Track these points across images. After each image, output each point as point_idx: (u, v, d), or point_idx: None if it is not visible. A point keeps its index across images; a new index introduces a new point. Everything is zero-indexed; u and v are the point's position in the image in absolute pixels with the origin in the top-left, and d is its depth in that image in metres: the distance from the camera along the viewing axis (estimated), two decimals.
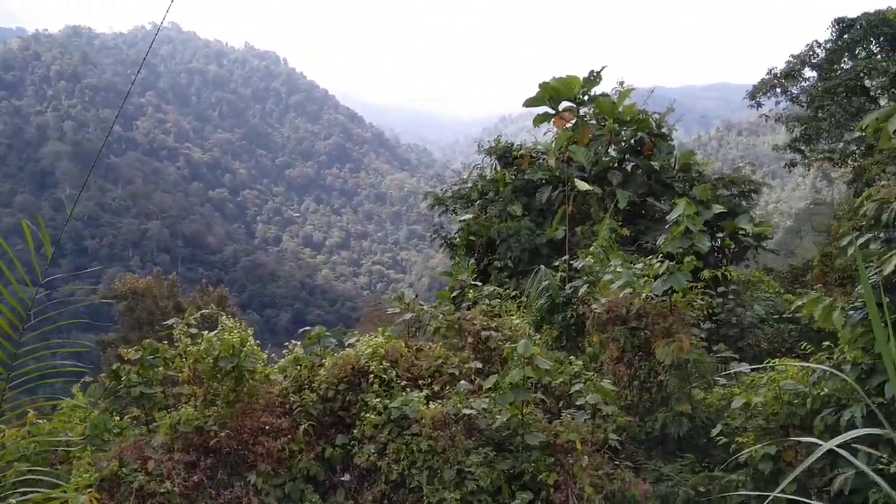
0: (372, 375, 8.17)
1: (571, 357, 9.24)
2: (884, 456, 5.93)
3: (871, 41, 28.48)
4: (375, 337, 8.87)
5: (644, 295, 9.08)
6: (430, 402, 7.87)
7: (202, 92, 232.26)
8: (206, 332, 7.88)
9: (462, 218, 18.66)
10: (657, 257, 9.66)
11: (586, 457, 7.56)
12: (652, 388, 9.17)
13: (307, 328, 9.21)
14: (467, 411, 7.77)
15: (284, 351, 8.80)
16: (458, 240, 19.03)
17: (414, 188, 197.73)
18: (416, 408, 7.71)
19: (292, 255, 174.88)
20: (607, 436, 8.10)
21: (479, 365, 8.84)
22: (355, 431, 7.91)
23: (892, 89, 27.59)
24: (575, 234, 16.18)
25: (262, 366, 8.26)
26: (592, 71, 18.39)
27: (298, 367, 8.49)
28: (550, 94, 18.58)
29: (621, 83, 20.37)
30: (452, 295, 13.18)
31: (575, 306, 11.24)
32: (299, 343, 8.90)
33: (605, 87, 19.13)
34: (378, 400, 7.87)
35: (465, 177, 20.94)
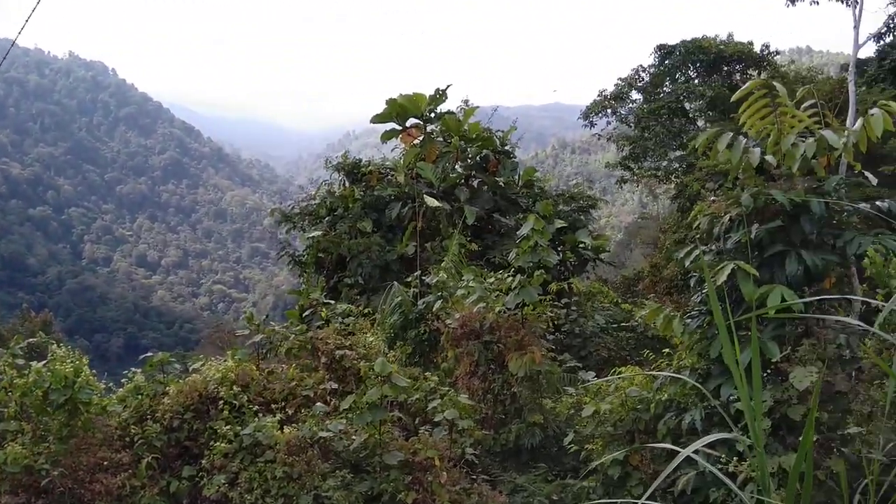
0: (221, 402, 7.78)
1: (427, 373, 9.25)
2: (722, 455, 6.32)
3: (689, 66, 30.85)
4: (224, 360, 8.46)
5: (497, 309, 9.27)
6: (285, 427, 7.59)
7: (21, 103, 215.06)
8: (34, 363, 7.21)
9: (310, 235, 18.33)
10: (508, 271, 9.91)
11: (445, 473, 7.56)
12: (506, 400, 9.34)
13: (149, 354, 8.64)
14: (323, 434, 7.56)
15: (124, 380, 8.21)
16: (306, 257, 18.67)
17: (257, 205, 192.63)
18: (269, 433, 7.41)
19: (125, 276, 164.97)
20: (464, 450, 8.16)
21: (335, 385, 8.65)
22: (204, 462, 7.49)
23: (709, 111, 29.99)
24: (425, 250, 16.31)
25: (99, 397, 7.66)
26: (438, 89, 18.69)
27: (139, 397, 7.95)
28: (397, 110, 18.71)
29: (466, 101, 20.87)
30: (303, 314, 12.87)
31: (428, 322, 11.29)
32: (140, 370, 8.34)
33: (450, 105, 19.50)
34: (228, 427, 7.50)
35: (312, 193, 20.61)
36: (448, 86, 18.85)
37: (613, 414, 7.88)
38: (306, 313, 12.56)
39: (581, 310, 14.57)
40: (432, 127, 19.07)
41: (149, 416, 7.80)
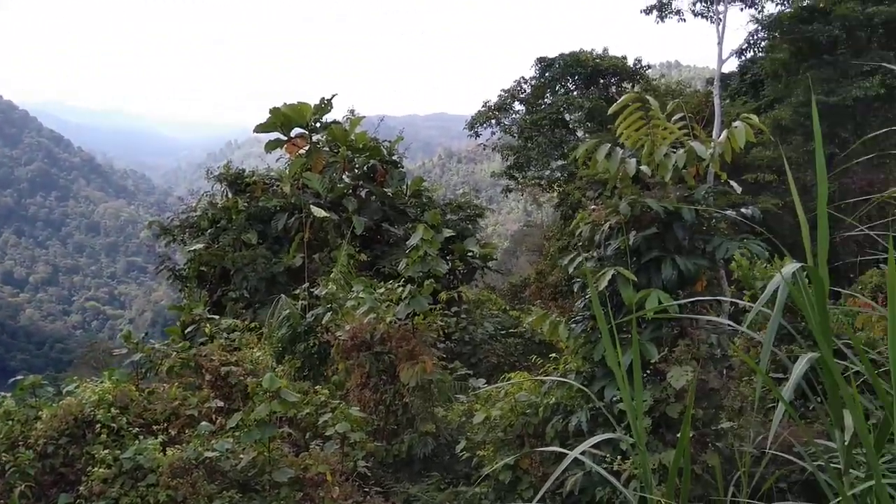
0: (98, 425, 7.43)
1: (317, 387, 9.13)
2: (607, 455, 6.55)
3: (569, 79, 31.95)
4: (100, 381, 8.07)
5: (388, 319, 9.26)
6: (168, 448, 7.31)
7: None
8: None
9: (192, 248, 17.75)
10: (399, 281, 9.92)
11: (337, 487, 7.47)
12: (398, 410, 9.34)
13: (18, 377, 8.14)
14: (209, 454, 7.31)
15: None
16: (187, 271, 18.04)
17: (132, 217, 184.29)
18: (151, 456, 7.12)
19: None
20: (356, 463, 8.10)
21: (221, 403, 8.40)
22: (81, 488, 7.10)
23: (588, 122, 31.13)
24: (313, 262, 16.11)
25: None
26: (323, 98, 18.54)
27: (10, 423, 7.47)
28: (282, 120, 18.42)
29: (352, 111, 20.80)
30: (185, 330, 12.44)
31: (318, 335, 11.15)
32: (9, 395, 7.84)
33: (335, 114, 19.37)
34: (107, 451, 7.15)
35: (193, 204, 19.95)
36: (333, 95, 18.75)
37: (503, 419, 8.02)
38: (188, 329, 12.15)
39: (470, 318, 14.77)
40: (318, 137, 18.89)
41: (21, 443, 7.37)
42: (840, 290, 4.20)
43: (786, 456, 4.39)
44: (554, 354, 8.37)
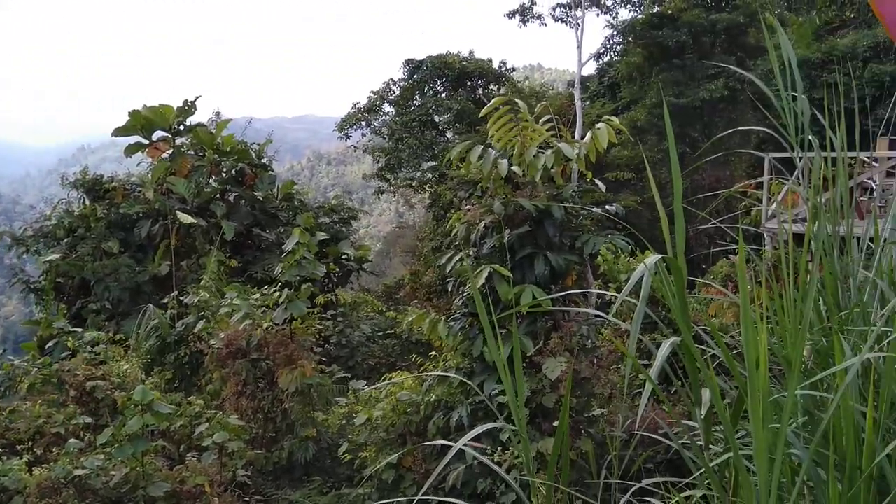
0: None
1: (191, 398, 8.87)
2: (488, 448, 6.74)
3: (437, 81, 32.35)
4: None
5: (265, 325, 9.11)
6: (34, 468, 6.91)
7: None
8: None
9: (47, 258, 16.68)
10: (275, 286, 9.77)
11: (216, 498, 7.30)
12: (276, 417, 9.20)
13: None
14: (79, 472, 6.96)
15: None
16: (43, 283, 16.95)
17: None
18: (16, 477, 6.71)
19: None
20: (235, 473, 7.93)
21: (88, 419, 8.00)
22: None
23: (457, 124, 31.64)
24: (181, 269, 15.55)
25: None
26: (187, 100, 17.92)
27: None
28: (142, 123, 17.66)
29: (217, 113, 20.19)
30: (44, 346, 11.73)
31: (190, 344, 10.80)
32: None
33: (200, 117, 18.75)
34: None
35: (47, 213, 18.75)
36: (197, 97, 18.15)
37: (385, 419, 8.08)
38: (48, 344, 11.48)
39: (347, 320, 14.74)
40: (182, 140, 18.23)
41: None
42: (695, 279, 4.53)
43: (653, 436, 4.69)
44: (433, 353, 8.51)
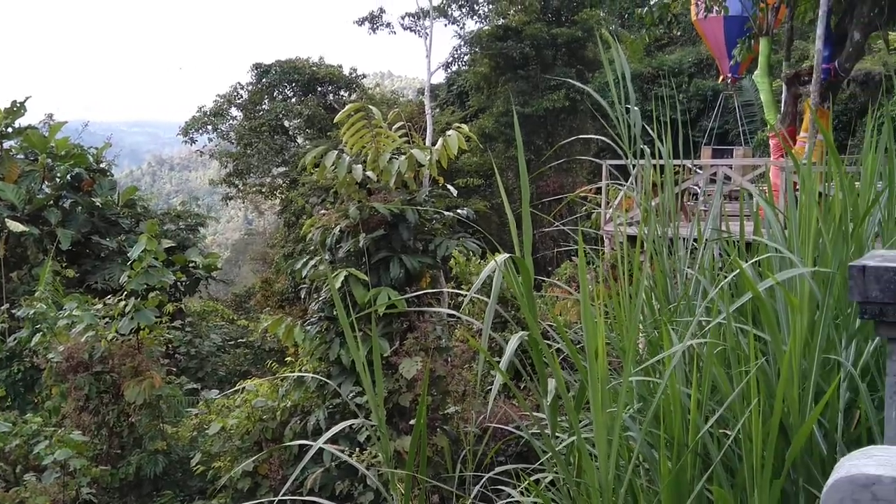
0: None
1: (27, 415, 8.33)
2: (345, 449, 6.81)
3: (287, 86, 31.92)
4: None
5: (109, 336, 8.68)
6: None
7: None
8: None
9: None
10: (120, 295, 9.34)
11: None
12: (122, 431, 8.81)
13: None
14: None
15: None
16: None
17: None
18: None
19: None
20: (79, 491, 7.54)
21: None
22: None
23: (307, 129, 31.35)
24: (11, 281, 14.47)
25: None
26: (15, 101, 16.71)
27: None
28: None
29: (50, 115, 18.95)
30: None
31: (24, 359, 10.11)
32: None
33: (31, 119, 17.54)
34: None
35: None
36: (27, 97, 16.96)
37: (240, 427, 7.95)
38: None
39: (196, 330, 14.28)
40: (11, 143, 16.97)
41: None
42: (542, 280, 4.81)
43: (506, 428, 4.94)
44: (289, 358, 8.46)
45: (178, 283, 16.09)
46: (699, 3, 14.10)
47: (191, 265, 16.62)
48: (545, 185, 26.62)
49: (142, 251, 9.29)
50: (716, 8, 13.54)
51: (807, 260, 3.22)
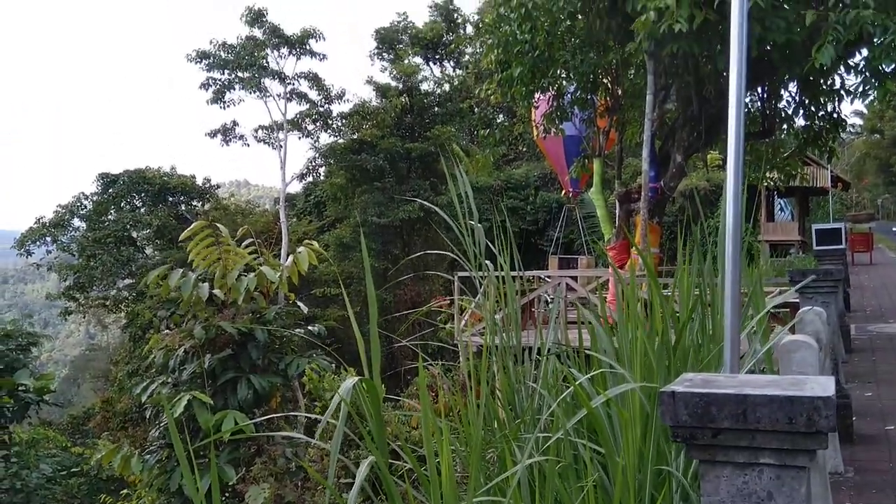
0: None
1: None
2: None
3: (135, 196, 30.96)
4: None
5: None
6: None
7: None
8: None
9: None
10: None
11: None
12: None
13: None
14: None
15: None
16: None
17: None
18: None
19: None
20: None
21: None
22: None
23: (157, 240, 30.32)
24: None
25: None
26: None
27: None
28: None
29: None
30: None
31: None
32: None
33: None
34: None
35: None
36: None
37: None
38: None
39: (23, 460, 13.02)
40: None
41: None
42: (399, 393, 4.81)
43: None
44: (126, 491, 7.85)
45: (5, 409, 14.72)
46: (539, 125, 15.13)
47: (20, 388, 15.27)
48: (402, 294, 26.88)
49: None
50: (553, 130, 14.57)
51: (636, 374, 3.41)
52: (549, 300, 11.54)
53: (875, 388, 8.16)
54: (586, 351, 3.82)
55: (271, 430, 6.52)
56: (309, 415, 4.32)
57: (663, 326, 3.50)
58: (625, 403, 3.27)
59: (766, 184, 16.55)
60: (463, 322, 11.74)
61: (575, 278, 12.61)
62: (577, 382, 3.05)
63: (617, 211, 13.48)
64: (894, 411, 7.12)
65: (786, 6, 9.58)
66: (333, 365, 7.81)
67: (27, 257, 29.98)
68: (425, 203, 4.59)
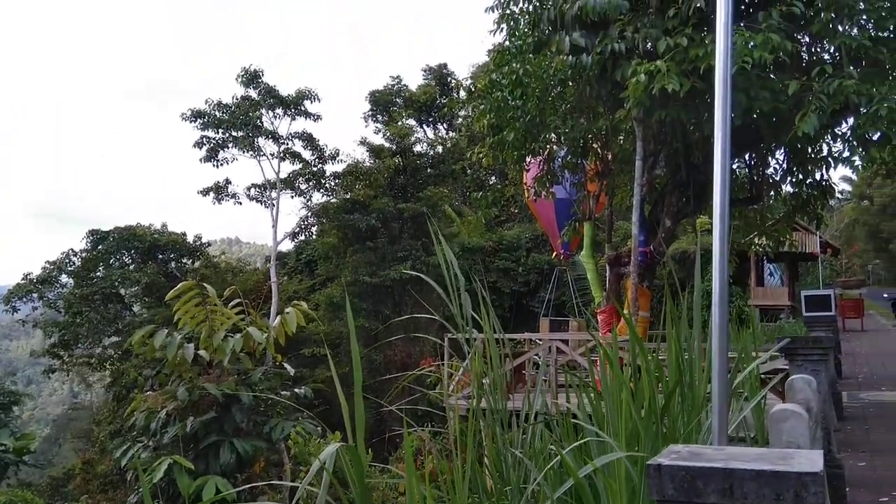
0: None
1: None
2: None
3: (125, 253, 30.90)
4: None
5: None
6: None
7: None
8: None
9: None
10: None
11: None
12: None
13: None
14: None
15: None
16: None
17: None
18: None
19: None
20: None
21: None
22: None
23: (145, 297, 30.13)
24: None
25: None
26: None
27: None
28: None
29: None
30: None
31: None
32: None
33: None
34: None
35: None
36: None
37: None
38: None
39: None
40: None
41: None
42: (388, 456, 4.72)
43: None
44: None
45: None
46: (530, 188, 15.27)
47: (0, 448, 14.98)
48: (392, 355, 26.63)
49: None
50: (544, 193, 14.69)
51: (621, 441, 3.35)
52: (539, 363, 11.45)
53: (868, 457, 8.04)
54: (573, 420, 3.77)
55: (255, 495, 6.37)
56: (293, 484, 4.21)
57: (650, 392, 3.46)
58: (611, 472, 3.21)
59: (755, 249, 16.64)
60: (451, 386, 11.61)
61: (566, 341, 12.53)
62: (563, 451, 2.99)
63: (607, 274, 13.49)
64: (889, 482, 7.01)
65: (771, 76, 9.77)
66: (319, 428, 7.67)
67: (13, 313, 29.75)
68: (411, 273, 4.56)
